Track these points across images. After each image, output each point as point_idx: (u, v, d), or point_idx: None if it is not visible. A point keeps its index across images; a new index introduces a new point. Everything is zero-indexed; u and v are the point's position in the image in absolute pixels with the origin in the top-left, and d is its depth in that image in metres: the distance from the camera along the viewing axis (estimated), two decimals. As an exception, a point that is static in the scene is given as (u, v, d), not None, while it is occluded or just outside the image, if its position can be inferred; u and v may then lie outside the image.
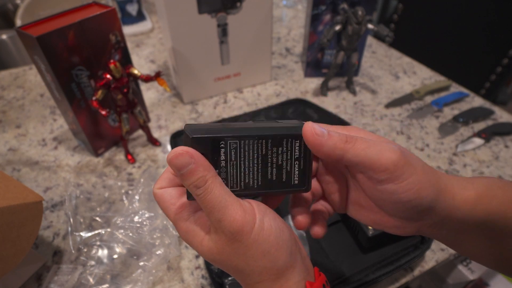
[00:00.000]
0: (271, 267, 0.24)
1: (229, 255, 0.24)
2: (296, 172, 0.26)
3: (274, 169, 0.26)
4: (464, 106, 0.73)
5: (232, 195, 0.24)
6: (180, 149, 0.23)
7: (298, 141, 0.25)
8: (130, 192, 0.54)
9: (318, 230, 0.30)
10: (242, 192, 0.25)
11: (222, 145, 0.24)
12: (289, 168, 0.26)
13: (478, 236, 0.26)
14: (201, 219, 0.25)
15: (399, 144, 0.25)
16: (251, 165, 0.25)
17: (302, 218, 0.29)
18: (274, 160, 0.25)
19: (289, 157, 0.26)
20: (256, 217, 0.24)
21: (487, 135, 0.64)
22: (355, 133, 0.26)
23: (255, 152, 0.25)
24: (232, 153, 0.24)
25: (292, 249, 0.25)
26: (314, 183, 0.30)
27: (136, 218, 0.48)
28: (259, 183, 0.26)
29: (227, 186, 0.25)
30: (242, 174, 0.25)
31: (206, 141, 0.24)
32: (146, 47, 0.94)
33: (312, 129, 0.24)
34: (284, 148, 0.25)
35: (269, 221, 0.24)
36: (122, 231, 0.46)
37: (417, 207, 0.24)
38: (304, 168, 0.26)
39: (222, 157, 0.24)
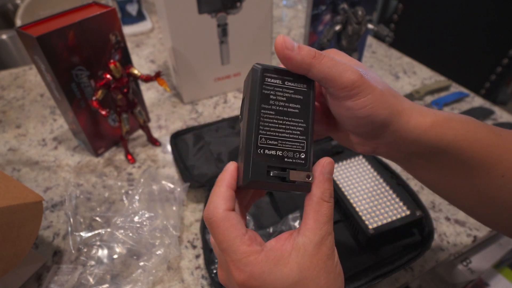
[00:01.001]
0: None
1: (319, 269, 0.24)
2: (298, 85, 0.27)
3: (291, 103, 0.26)
4: (464, 106, 0.73)
5: None
6: (326, 158, 0.25)
7: (267, 76, 0.26)
8: (130, 192, 0.54)
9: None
10: (309, 138, 0.26)
11: (261, 146, 0.25)
12: (293, 90, 0.27)
13: (430, 161, 0.28)
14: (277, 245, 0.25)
15: (366, 67, 0.27)
16: (282, 124, 0.26)
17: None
18: (281, 103, 0.26)
19: (282, 89, 0.26)
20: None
21: (487, 135, 0.64)
22: (333, 54, 0.27)
23: (271, 118, 0.25)
24: (265, 139, 0.25)
25: None
26: None
27: (136, 218, 0.48)
28: (302, 120, 0.26)
29: (303, 153, 0.26)
30: (289, 133, 0.26)
31: (258, 165, 0.25)
32: (146, 47, 0.94)
33: (282, 43, 0.25)
34: (272, 91, 0.26)
35: None
36: (122, 231, 0.46)
37: (372, 124, 0.27)
38: (294, 75, 0.27)
39: (271, 150, 0.25)
